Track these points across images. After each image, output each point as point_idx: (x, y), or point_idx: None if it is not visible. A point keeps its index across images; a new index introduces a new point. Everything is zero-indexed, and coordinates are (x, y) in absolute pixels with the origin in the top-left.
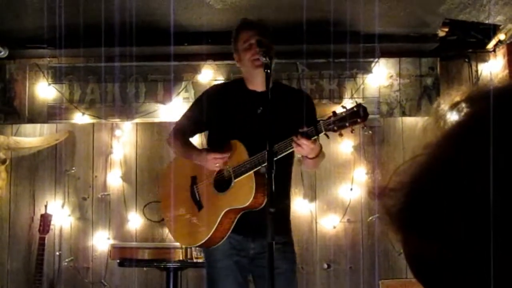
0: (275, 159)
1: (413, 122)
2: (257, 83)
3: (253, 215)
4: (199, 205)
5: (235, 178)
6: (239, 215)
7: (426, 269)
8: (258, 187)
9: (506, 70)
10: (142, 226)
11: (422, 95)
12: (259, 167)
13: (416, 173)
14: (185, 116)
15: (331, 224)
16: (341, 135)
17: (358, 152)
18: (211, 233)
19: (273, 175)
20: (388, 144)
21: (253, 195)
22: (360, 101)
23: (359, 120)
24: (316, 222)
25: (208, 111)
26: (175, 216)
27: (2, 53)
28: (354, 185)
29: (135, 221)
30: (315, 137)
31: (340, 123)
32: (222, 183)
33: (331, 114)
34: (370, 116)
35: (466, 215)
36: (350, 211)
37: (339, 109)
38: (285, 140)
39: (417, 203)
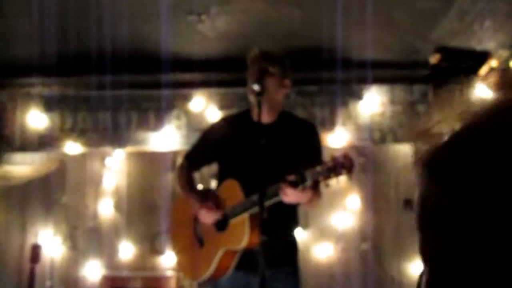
0: (266, 204)
1: (406, 149)
2: (263, 114)
3: (253, 251)
4: (201, 242)
5: (230, 219)
6: (239, 254)
7: (430, 213)
8: (252, 229)
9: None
10: (134, 255)
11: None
12: (252, 209)
13: (458, 140)
14: (192, 148)
15: (324, 252)
16: (327, 185)
17: (350, 179)
18: (211, 271)
19: (264, 217)
20: (380, 171)
21: (247, 237)
22: (351, 128)
23: (345, 171)
24: (309, 250)
25: (214, 143)
26: (180, 251)
27: None
28: (347, 212)
29: (127, 250)
30: (301, 186)
31: (326, 174)
32: (222, 221)
33: (320, 162)
34: (363, 144)
35: (483, 186)
36: (343, 239)
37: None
38: (274, 186)
39: (452, 160)
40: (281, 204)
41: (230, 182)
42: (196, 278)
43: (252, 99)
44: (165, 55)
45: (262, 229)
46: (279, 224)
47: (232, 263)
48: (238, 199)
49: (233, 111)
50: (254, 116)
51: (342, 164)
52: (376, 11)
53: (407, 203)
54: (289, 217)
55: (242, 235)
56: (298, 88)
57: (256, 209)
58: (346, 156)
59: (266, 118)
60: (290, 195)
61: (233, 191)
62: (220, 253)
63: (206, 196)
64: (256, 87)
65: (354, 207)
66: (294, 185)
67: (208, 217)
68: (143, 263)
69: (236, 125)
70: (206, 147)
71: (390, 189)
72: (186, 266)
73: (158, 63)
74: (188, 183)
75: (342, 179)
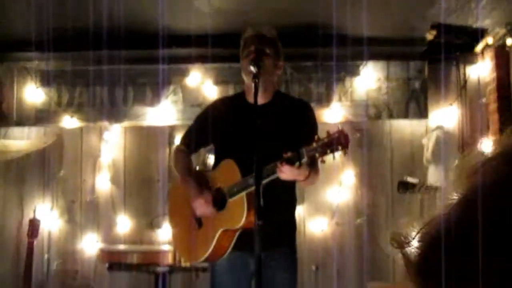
0: (263, 182)
1: (401, 125)
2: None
3: (250, 231)
4: (199, 223)
5: (229, 198)
6: (238, 232)
7: None
8: (250, 208)
9: (493, 73)
10: (131, 229)
11: (410, 98)
12: (249, 188)
13: (438, 230)
14: (189, 131)
15: (319, 227)
16: (323, 161)
17: (345, 155)
18: (209, 251)
19: (261, 194)
20: (376, 147)
21: (244, 216)
22: (347, 104)
23: (340, 147)
24: (304, 225)
25: (210, 125)
26: (178, 233)
27: None
28: (342, 187)
29: (124, 224)
30: (297, 163)
31: (322, 150)
32: (221, 200)
33: (315, 139)
34: (358, 119)
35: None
36: (338, 214)
37: (322, 134)
38: (271, 165)
39: (438, 256)
40: (278, 184)
41: (227, 162)
42: (195, 259)
43: (248, 80)
44: (161, 30)
45: (258, 213)
46: (276, 205)
47: (230, 243)
48: (236, 179)
49: (229, 86)
50: (249, 97)
51: (338, 140)
52: None
53: (402, 185)
54: (286, 197)
55: (240, 214)
56: (294, 64)
57: (253, 189)
58: (341, 132)
59: (261, 98)
60: (287, 173)
61: (230, 171)
62: (218, 233)
63: (202, 185)
64: (253, 68)
65: (349, 182)
66: (290, 162)
67: (202, 209)
68: (140, 237)
69: (231, 107)
70: (202, 129)
71: (385, 165)
72: (184, 248)
73: (155, 38)
74: (185, 167)
75: (338, 154)
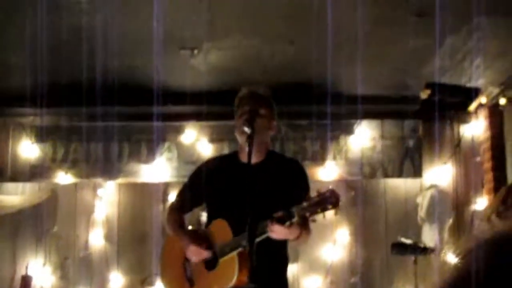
0: (256, 240)
1: (395, 184)
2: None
3: None
4: (191, 282)
5: (220, 258)
6: None
7: None
8: (241, 267)
9: (487, 132)
10: (124, 286)
11: (405, 157)
12: (240, 247)
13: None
14: (182, 191)
15: (313, 285)
16: (313, 221)
17: (339, 213)
18: None
19: (253, 255)
20: (370, 205)
21: (236, 276)
22: (341, 162)
23: (331, 206)
24: (298, 283)
25: (202, 184)
26: None
27: None
28: (337, 246)
29: (117, 281)
30: (288, 222)
31: (312, 209)
32: (212, 260)
33: (306, 198)
34: (353, 178)
35: None
36: (333, 272)
37: (313, 194)
38: (262, 224)
39: None
40: (269, 244)
41: (218, 222)
42: None
43: (241, 139)
44: (156, 87)
45: (251, 276)
46: (268, 266)
47: None
48: (227, 239)
49: (225, 143)
50: (242, 157)
51: (328, 199)
52: (367, 47)
53: (395, 247)
54: (278, 257)
55: (232, 274)
56: (289, 121)
57: (244, 249)
58: (331, 191)
59: (254, 158)
60: (277, 232)
61: (222, 231)
62: None
63: (196, 234)
64: (247, 129)
65: (344, 240)
66: (281, 221)
67: (197, 254)
68: None
69: (224, 166)
70: (195, 188)
71: (379, 223)
72: None
73: (150, 95)
74: (177, 223)
75: (329, 213)
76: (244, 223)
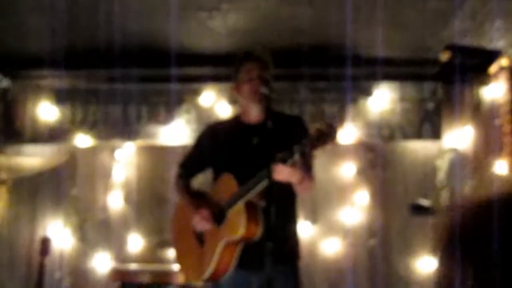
0: (259, 188)
1: (414, 146)
2: (253, 115)
3: (253, 248)
4: (201, 240)
5: (227, 210)
6: (240, 247)
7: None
8: (249, 216)
9: (508, 95)
10: (143, 248)
11: (424, 120)
12: (248, 196)
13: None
14: (186, 157)
15: (332, 247)
16: (314, 156)
17: (358, 175)
18: (212, 267)
19: (266, 204)
20: (389, 168)
21: (245, 225)
22: (360, 125)
23: (329, 140)
24: (317, 246)
25: (206, 150)
26: (181, 252)
27: (3, 82)
28: (355, 208)
29: (136, 243)
30: (290, 160)
31: (312, 144)
32: (220, 215)
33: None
34: (372, 140)
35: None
36: (351, 235)
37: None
38: (265, 169)
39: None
40: (278, 201)
41: (225, 176)
42: (199, 277)
43: (250, 101)
44: (174, 49)
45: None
46: (278, 222)
47: (233, 257)
48: (233, 190)
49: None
50: (245, 118)
51: (326, 133)
52: (386, 9)
53: (414, 208)
54: (287, 214)
55: (240, 223)
56: (308, 84)
57: (251, 196)
58: (329, 125)
59: (257, 118)
60: (281, 172)
61: (228, 185)
62: (220, 246)
63: (200, 202)
64: (265, 90)
65: (362, 203)
66: (283, 161)
67: (200, 225)
68: (152, 256)
69: (228, 129)
70: (200, 154)
71: (398, 186)
72: (188, 267)
73: (168, 57)
74: (184, 187)
75: (347, 175)
76: (249, 178)
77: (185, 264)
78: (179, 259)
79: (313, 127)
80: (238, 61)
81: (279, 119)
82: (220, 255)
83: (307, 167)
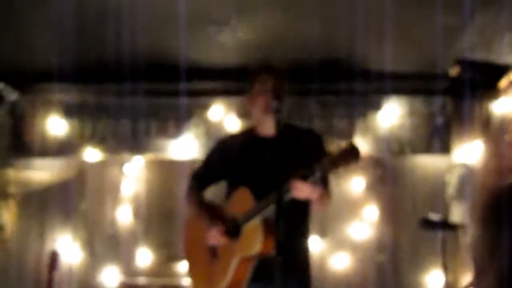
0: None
1: (424, 161)
2: (267, 128)
3: (265, 261)
4: (214, 254)
5: (243, 225)
6: (254, 263)
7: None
8: (266, 233)
9: None
10: (152, 262)
11: (433, 134)
12: (264, 212)
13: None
14: (199, 169)
15: (341, 262)
16: (336, 174)
17: (368, 190)
18: (226, 283)
19: (280, 219)
20: (398, 183)
21: (261, 241)
22: (369, 139)
23: (351, 160)
24: (326, 261)
25: (219, 162)
26: (194, 266)
27: (12, 96)
28: (364, 223)
29: (145, 257)
30: (311, 178)
31: (334, 163)
32: (235, 230)
33: (326, 155)
34: (381, 155)
35: None
36: (360, 250)
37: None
38: (285, 185)
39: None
40: (291, 215)
41: (241, 190)
42: None
43: (264, 114)
44: (183, 63)
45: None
46: (291, 236)
47: (247, 273)
48: (249, 205)
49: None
50: (259, 131)
51: (349, 152)
52: (395, 24)
53: (424, 222)
54: (300, 228)
55: (256, 239)
56: (317, 99)
57: (267, 212)
58: (351, 145)
59: (271, 131)
60: (300, 189)
61: (244, 199)
62: (235, 262)
63: (215, 215)
64: (276, 103)
65: (372, 218)
66: (304, 178)
67: (215, 239)
68: (161, 270)
69: (242, 142)
70: (213, 166)
71: (407, 201)
72: (200, 282)
73: (177, 71)
74: (197, 200)
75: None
76: (264, 195)
77: (197, 278)
78: (191, 272)
79: (336, 146)
80: (253, 73)
81: (292, 132)
82: (234, 271)
83: (324, 184)
